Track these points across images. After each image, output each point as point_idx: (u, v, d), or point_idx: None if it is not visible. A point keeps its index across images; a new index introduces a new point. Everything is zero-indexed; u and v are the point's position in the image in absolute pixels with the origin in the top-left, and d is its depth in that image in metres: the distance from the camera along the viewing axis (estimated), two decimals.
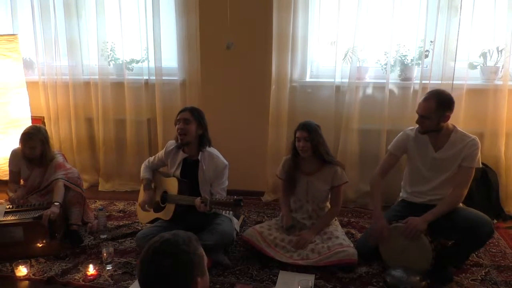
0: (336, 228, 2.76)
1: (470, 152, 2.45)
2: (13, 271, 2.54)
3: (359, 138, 3.52)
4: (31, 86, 3.98)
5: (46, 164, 3.03)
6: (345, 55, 3.43)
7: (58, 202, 2.84)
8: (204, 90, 3.73)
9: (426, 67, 3.34)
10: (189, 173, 2.76)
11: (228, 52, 3.31)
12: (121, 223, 3.27)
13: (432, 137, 2.53)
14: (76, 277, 2.53)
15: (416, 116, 2.51)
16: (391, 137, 2.76)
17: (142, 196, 2.94)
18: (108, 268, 2.60)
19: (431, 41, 3.27)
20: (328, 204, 2.84)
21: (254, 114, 3.70)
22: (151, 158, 2.99)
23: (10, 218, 2.78)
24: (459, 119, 3.25)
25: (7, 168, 3.17)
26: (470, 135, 2.51)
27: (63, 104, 4.06)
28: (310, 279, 2.36)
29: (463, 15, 3.15)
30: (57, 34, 3.94)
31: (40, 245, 2.76)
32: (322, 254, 2.51)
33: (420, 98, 3.27)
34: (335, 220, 2.89)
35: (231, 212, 2.51)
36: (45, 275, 2.54)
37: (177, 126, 2.71)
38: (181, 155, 2.80)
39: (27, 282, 2.52)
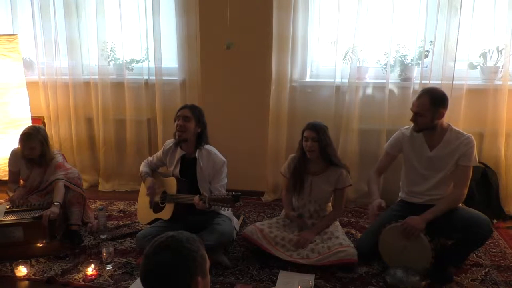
0: (336, 228, 2.76)
1: (465, 150, 2.45)
2: (13, 271, 2.55)
3: (359, 138, 3.52)
4: (31, 86, 3.98)
5: (45, 164, 3.03)
6: (345, 55, 3.43)
7: (58, 202, 2.84)
8: (204, 90, 3.73)
9: (426, 67, 3.34)
10: (188, 171, 2.76)
11: (228, 52, 3.31)
12: (121, 223, 3.27)
13: (427, 136, 2.54)
14: (76, 277, 2.53)
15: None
16: (391, 137, 2.76)
17: (142, 195, 2.94)
18: (108, 268, 2.60)
19: (431, 41, 3.28)
20: (330, 205, 2.84)
21: (254, 114, 3.70)
22: (150, 158, 3.00)
23: (10, 218, 2.79)
24: (459, 119, 3.25)
25: (7, 168, 3.17)
26: (465, 133, 2.51)
27: (63, 104, 4.06)
28: (310, 279, 2.36)
29: (463, 15, 3.15)
30: (57, 34, 3.94)
31: (40, 245, 2.76)
32: (322, 254, 2.51)
33: None
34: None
35: (230, 209, 2.51)
36: (45, 275, 2.54)
37: (176, 123, 2.72)
38: (179, 153, 2.80)
39: (27, 282, 2.52)
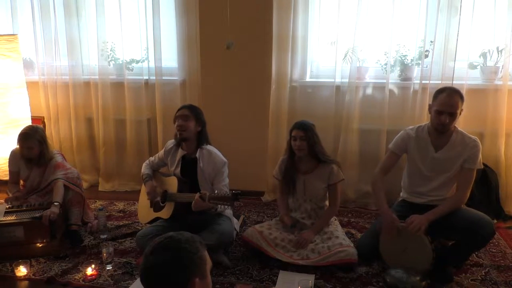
0: (336, 228, 2.76)
1: (471, 154, 2.45)
2: (13, 271, 2.55)
3: (359, 138, 3.51)
4: (31, 86, 3.98)
5: (45, 164, 3.02)
6: (345, 55, 3.43)
7: (58, 202, 2.84)
8: (204, 90, 3.73)
9: (426, 67, 3.34)
10: (189, 171, 2.76)
11: (228, 52, 3.31)
12: (121, 223, 3.27)
13: (433, 137, 2.53)
14: (76, 277, 2.53)
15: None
16: (391, 137, 2.76)
17: (142, 196, 2.95)
18: (108, 268, 2.60)
19: (431, 41, 3.27)
20: (327, 203, 2.84)
21: (254, 114, 3.70)
22: (152, 158, 3.00)
23: (10, 218, 2.78)
24: (459, 119, 3.24)
25: (7, 168, 3.17)
26: (471, 136, 2.50)
27: (63, 104, 4.06)
28: (310, 279, 2.36)
29: (463, 15, 3.14)
30: (57, 34, 3.95)
31: (40, 245, 2.76)
32: (322, 254, 2.51)
33: (420, 98, 3.30)
34: (335, 220, 2.89)
35: (229, 207, 2.51)
36: (45, 275, 2.55)
37: (176, 123, 2.73)
38: (180, 153, 2.81)
39: (27, 282, 2.52)
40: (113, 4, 3.83)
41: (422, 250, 2.38)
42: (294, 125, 2.72)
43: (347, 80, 3.44)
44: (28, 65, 4.18)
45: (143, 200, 2.94)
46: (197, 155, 2.75)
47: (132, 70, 3.96)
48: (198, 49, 3.65)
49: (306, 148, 2.67)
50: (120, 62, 3.92)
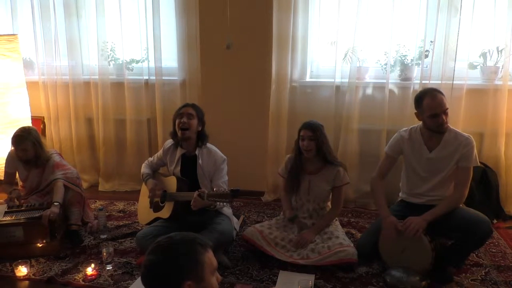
0: (336, 228, 2.76)
1: (465, 151, 2.45)
2: (13, 271, 2.55)
3: (359, 138, 3.52)
4: (31, 86, 3.98)
5: (43, 164, 3.02)
6: (345, 55, 3.43)
7: (57, 202, 2.84)
8: (204, 90, 3.73)
9: (426, 67, 3.34)
10: (189, 169, 2.76)
11: (228, 52, 3.32)
12: (121, 223, 3.27)
13: (426, 137, 2.54)
14: (76, 277, 2.53)
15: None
16: (391, 137, 2.76)
17: (142, 195, 2.94)
18: (108, 268, 2.60)
19: (431, 41, 3.27)
20: (329, 204, 2.84)
21: (254, 114, 3.70)
22: (151, 159, 3.00)
23: (10, 218, 2.79)
24: (459, 119, 3.25)
25: None
26: (464, 134, 2.51)
27: (63, 104, 4.06)
28: (310, 279, 2.36)
29: (463, 15, 3.14)
30: (57, 34, 3.95)
31: (40, 245, 2.76)
32: (322, 254, 2.51)
33: None
34: (336, 220, 2.89)
35: (228, 204, 2.50)
36: (45, 275, 2.55)
37: (178, 121, 2.72)
38: (179, 151, 2.81)
39: (27, 282, 2.52)
40: (113, 4, 3.83)
41: (421, 250, 2.38)
42: (302, 125, 2.72)
43: (347, 80, 3.44)
44: (28, 65, 4.18)
45: (143, 201, 2.94)
46: (197, 152, 2.75)
47: (132, 70, 3.96)
48: (198, 49, 3.65)
49: (314, 148, 2.67)
50: (120, 62, 3.92)
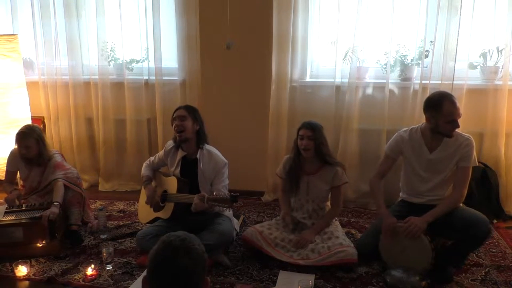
0: (336, 228, 2.76)
1: (465, 152, 2.46)
2: (13, 271, 2.55)
3: (359, 138, 3.52)
4: (31, 86, 3.98)
5: (44, 163, 3.02)
6: (345, 55, 3.43)
7: (57, 202, 2.84)
8: (204, 90, 3.73)
9: (426, 67, 3.34)
10: (189, 172, 2.76)
11: (228, 52, 3.31)
12: (121, 223, 3.27)
13: (427, 138, 2.54)
14: (76, 277, 2.53)
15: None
16: (391, 137, 2.76)
17: (143, 195, 2.95)
18: (108, 268, 2.60)
19: (431, 41, 3.27)
20: (328, 203, 2.84)
21: (254, 114, 3.70)
22: (152, 158, 3.00)
23: (10, 218, 2.79)
24: (459, 119, 3.24)
25: None
26: (464, 134, 2.51)
27: (63, 104, 4.06)
28: (310, 279, 2.36)
29: (463, 15, 3.15)
30: (57, 34, 3.95)
31: (40, 245, 2.76)
32: (322, 254, 2.51)
33: (420, 98, 3.30)
34: (335, 220, 2.89)
35: (228, 209, 2.51)
36: (45, 275, 2.54)
37: (174, 124, 2.74)
38: (180, 154, 2.81)
39: (27, 282, 2.52)
40: (113, 4, 3.83)
41: (421, 250, 2.38)
42: (302, 124, 2.72)
43: (347, 80, 3.44)
44: (28, 65, 4.18)
45: (143, 200, 2.93)
46: (198, 155, 2.75)
47: (132, 70, 3.96)
48: (198, 49, 3.65)
49: (313, 148, 2.67)
50: (120, 62, 3.92)
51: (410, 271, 2.33)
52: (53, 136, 4.12)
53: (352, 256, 2.49)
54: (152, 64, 3.82)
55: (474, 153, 2.49)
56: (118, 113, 3.98)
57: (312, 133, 2.65)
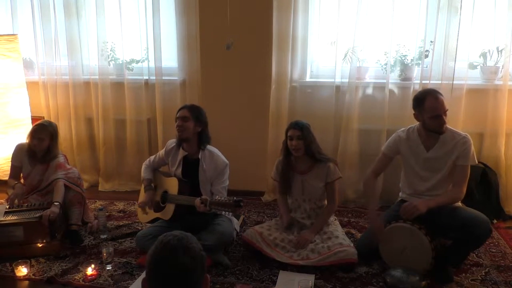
0: (336, 228, 2.76)
1: (462, 150, 2.46)
2: (13, 271, 2.55)
3: (359, 138, 3.52)
4: (31, 86, 3.98)
5: (48, 161, 3.03)
6: (345, 55, 3.43)
7: (58, 202, 2.84)
8: (204, 90, 3.73)
9: (426, 67, 3.34)
10: (190, 172, 2.76)
11: (228, 52, 3.31)
12: (121, 223, 3.27)
13: (423, 137, 2.55)
14: (76, 277, 2.53)
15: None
16: (388, 140, 2.76)
17: (142, 196, 2.94)
18: (108, 268, 2.60)
19: (431, 41, 3.27)
20: (325, 202, 2.85)
21: (254, 114, 3.70)
22: (152, 157, 3.00)
23: (10, 218, 2.78)
24: (459, 119, 3.25)
25: (7, 168, 3.17)
26: (461, 132, 2.52)
27: (63, 104, 4.06)
28: (310, 279, 2.36)
29: (463, 15, 3.15)
30: (57, 34, 3.94)
31: (40, 245, 2.76)
32: (322, 254, 2.51)
33: None
34: (335, 219, 2.89)
35: (230, 213, 2.51)
36: (45, 275, 2.54)
37: (176, 124, 2.74)
38: (181, 153, 2.81)
39: (27, 282, 2.52)
40: (113, 4, 3.83)
41: (421, 250, 2.38)
42: (289, 125, 2.73)
43: (347, 80, 3.44)
44: (28, 65, 4.17)
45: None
46: (200, 156, 2.74)
47: (132, 70, 3.96)
48: (198, 49, 3.65)
49: (303, 147, 2.67)
50: (120, 62, 3.92)
51: (410, 271, 2.33)
52: None
53: (352, 256, 2.49)
54: (152, 64, 3.81)
55: (473, 151, 2.49)
56: (118, 113, 3.98)
57: (300, 132, 2.65)
